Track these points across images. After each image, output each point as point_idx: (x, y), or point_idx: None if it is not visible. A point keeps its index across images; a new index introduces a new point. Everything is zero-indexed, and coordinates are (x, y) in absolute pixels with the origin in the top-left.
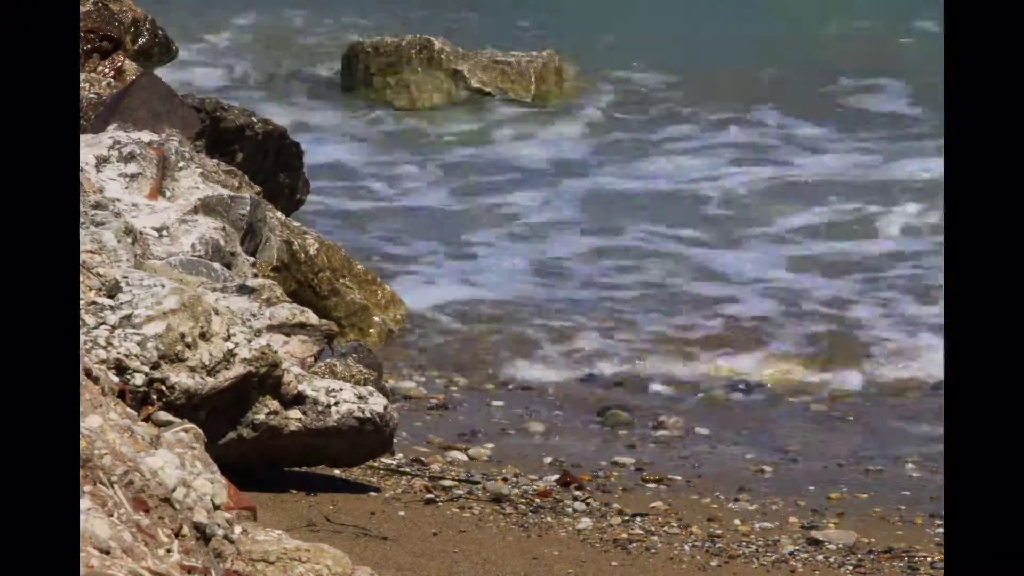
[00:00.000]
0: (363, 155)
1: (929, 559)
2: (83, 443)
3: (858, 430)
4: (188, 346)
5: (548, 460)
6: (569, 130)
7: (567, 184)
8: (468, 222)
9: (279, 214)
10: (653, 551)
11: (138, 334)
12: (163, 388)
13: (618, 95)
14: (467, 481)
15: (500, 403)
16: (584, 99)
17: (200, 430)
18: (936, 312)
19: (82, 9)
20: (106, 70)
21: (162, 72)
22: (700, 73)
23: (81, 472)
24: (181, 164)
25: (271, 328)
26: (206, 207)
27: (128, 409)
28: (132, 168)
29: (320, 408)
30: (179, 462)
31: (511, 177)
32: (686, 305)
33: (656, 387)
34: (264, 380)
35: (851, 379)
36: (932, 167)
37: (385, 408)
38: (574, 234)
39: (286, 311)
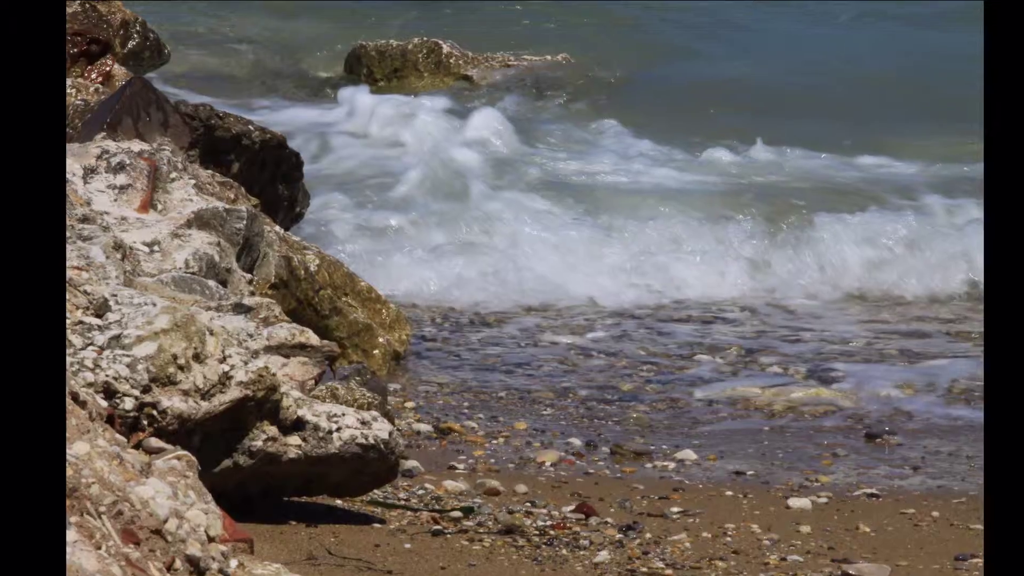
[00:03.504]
0: (368, 165)
1: None
2: (69, 471)
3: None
4: (181, 368)
5: (564, 488)
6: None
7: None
8: (484, 229)
9: (277, 228)
10: None
11: (128, 355)
12: (154, 413)
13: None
14: (477, 511)
15: (515, 428)
16: (614, 109)
17: (193, 457)
18: None
19: (68, 10)
20: (94, 75)
21: (154, 77)
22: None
23: (67, 502)
24: (173, 175)
25: (269, 349)
26: (200, 221)
27: (117, 435)
28: (121, 179)
29: (321, 434)
30: (171, 491)
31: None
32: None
33: (664, 415)
34: (262, 404)
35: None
36: None
37: (390, 434)
38: (584, 244)
39: (285, 331)
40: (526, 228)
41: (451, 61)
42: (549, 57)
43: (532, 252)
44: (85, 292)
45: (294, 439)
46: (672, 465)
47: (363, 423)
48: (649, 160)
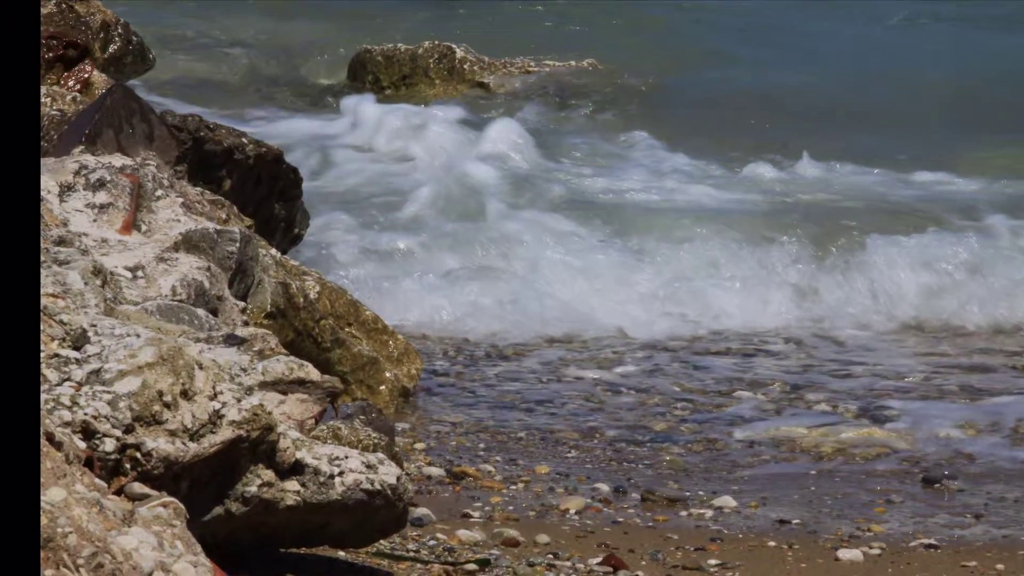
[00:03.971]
0: (373, 182)
1: None
2: (44, 520)
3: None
4: (167, 406)
5: (590, 539)
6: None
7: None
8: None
9: (274, 251)
10: None
11: (108, 392)
12: (138, 455)
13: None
14: (494, 564)
15: (536, 472)
16: (644, 119)
17: (181, 505)
18: None
19: (43, 11)
20: (71, 82)
21: (137, 84)
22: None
23: (42, 554)
24: (159, 193)
25: (264, 385)
26: (188, 243)
27: (97, 480)
28: (101, 198)
29: (322, 479)
30: (156, 542)
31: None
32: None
33: (701, 457)
34: (256, 446)
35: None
36: None
37: (398, 479)
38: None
39: (282, 365)
40: (548, 251)
41: (465, 67)
42: (574, 62)
43: (555, 278)
44: (61, 322)
45: (292, 484)
46: (709, 513)
47: (368, 467)
48: (684, 176)
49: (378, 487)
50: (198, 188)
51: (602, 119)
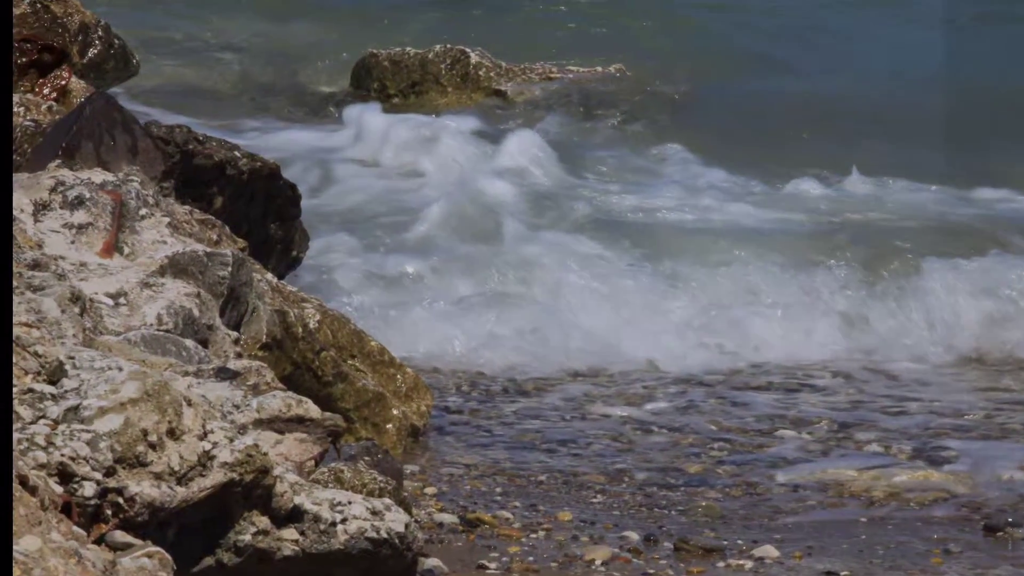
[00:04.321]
0: (379, 199)
1: None
2: (17, 571)
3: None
4: (152, 446)
5: None
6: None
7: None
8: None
9: (269, 276)
10: None
11: (88, 431)
12: (120, 501)
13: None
14: None
15: (558, 519)
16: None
17: (167, 555)
18: None
19: (15, 11)
20: (47, 90)
21: (120, 92)
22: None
23: None
24: (143, 212)
25: (259, 423)
26: (175, 267)
27: (75, 528)
28: (80, 217)
29: (323, 526)
30: None
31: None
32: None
33: (740, 503)
34: (250, 490)
35: None
36: None
37: (406, 526)
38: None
39: (279, 401)
40: (572, 276)
41: (480, 73)
42: (600, 68)
43: (579, 305)
44: (36, 354)
45: (290, 532)
46: (749, 564)
47: (374, 513)
48: (721, 193)
49: (384, 535)
50: (186, 206)
51: (631, 130)
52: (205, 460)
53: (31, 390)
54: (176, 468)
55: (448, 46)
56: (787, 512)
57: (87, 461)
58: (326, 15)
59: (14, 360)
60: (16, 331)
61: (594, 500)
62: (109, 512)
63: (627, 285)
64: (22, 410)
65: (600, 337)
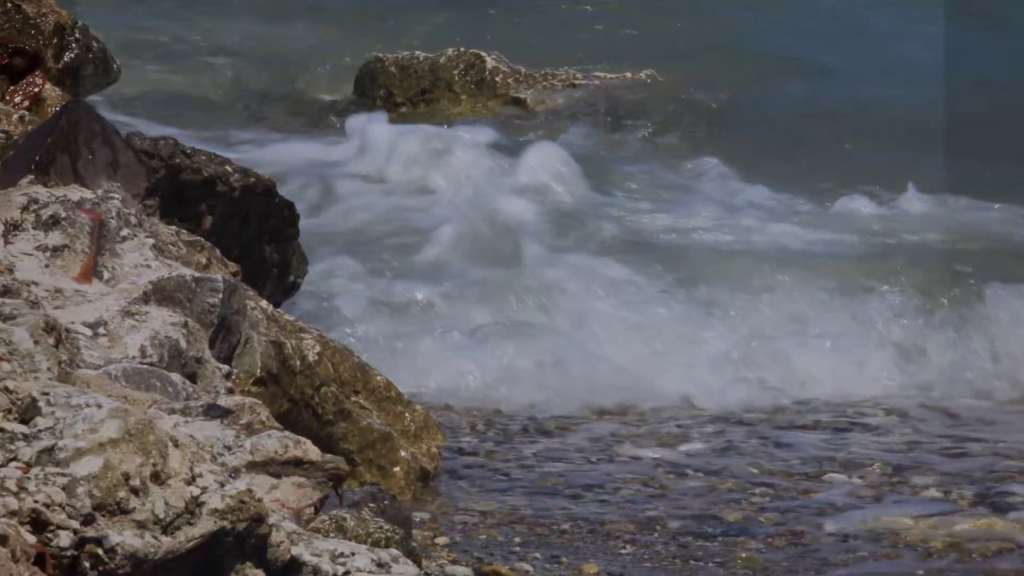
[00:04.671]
0: (386, 219)
1: None
2: None
3: None
4: (135, 492)
5: None
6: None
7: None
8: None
9: (264, 303)
10: None
11: (64, 475)
12: (99, 552)
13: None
14: None
15: (583, 572)
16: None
17: None
18: None
19: None
20: (18, 98)
21: (99, 101)
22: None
23: None
24: (125, 232)
25: (253, 466)
26: (160, 294)
27: None
28: (55, 238)
29: None
30: None
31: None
32: None
33: (784, 554)
34: (243, 540)
35: None
36: None
37: None
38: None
39: (275, 442)
40: (598, 304)
41: (497, 79)
42: (630, 74)
43: (606, 336)
44: (6, 389)
45: None
46: None
47: (380, 565)
48: (763, 212)
49: None
50: (172, 227)
51: (663, 143)
52: (193, 507)
53: (1, 430)
54: (161, 516)
55: (461, 49)
56: (836, 564)
57: (63, 508)
58: (327, 15)
59: None
60: None
61: (623, 551)
62: (87, 564)
63: (659, 313)
64: None
65: (629, 371)
